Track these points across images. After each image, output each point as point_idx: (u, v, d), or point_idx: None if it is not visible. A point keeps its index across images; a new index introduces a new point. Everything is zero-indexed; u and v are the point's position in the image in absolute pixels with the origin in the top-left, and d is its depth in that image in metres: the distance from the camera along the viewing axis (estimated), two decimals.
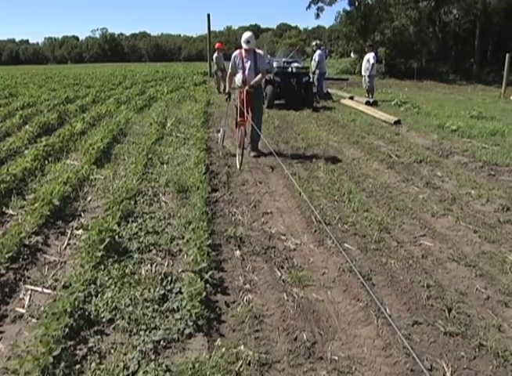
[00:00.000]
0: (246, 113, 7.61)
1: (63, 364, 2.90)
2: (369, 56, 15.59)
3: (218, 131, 9.29)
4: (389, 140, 9.75)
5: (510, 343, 3.21)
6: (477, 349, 3.15)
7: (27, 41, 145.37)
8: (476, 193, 6.28)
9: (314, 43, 16.93)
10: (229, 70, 8.21)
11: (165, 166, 7.38)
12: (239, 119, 7.84)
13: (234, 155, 8.04)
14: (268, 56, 17.91)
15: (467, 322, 3.45)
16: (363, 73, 16.07)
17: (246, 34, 7.80)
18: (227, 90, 8.32)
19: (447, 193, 6.31)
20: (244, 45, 7.76)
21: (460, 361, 3.05)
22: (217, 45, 19.60)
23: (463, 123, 11.28)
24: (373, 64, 15.48)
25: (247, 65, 7.81)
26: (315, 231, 5.08)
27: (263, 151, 8.45)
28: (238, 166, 7.47)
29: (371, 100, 15.23)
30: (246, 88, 7.68)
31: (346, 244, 4.72)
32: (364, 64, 15.96)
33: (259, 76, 7.80)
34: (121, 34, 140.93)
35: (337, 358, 3.07)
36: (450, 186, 6.65)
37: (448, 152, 8.66)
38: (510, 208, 5.73)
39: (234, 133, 8.96)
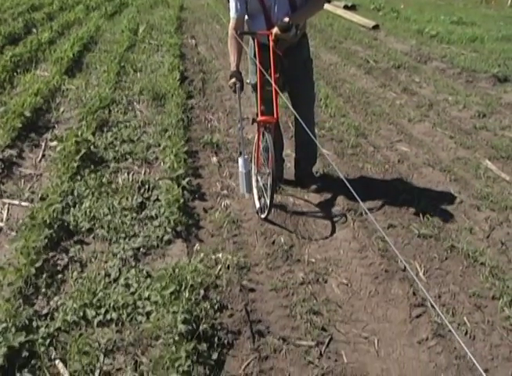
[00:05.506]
0: (275, 93, 3.23)
1: (45, 274, 2.93)
2: None
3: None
4: (367, 45, 9.51)
5: (480, 244, 3.33)
6: (448, 250, 3.26)
7: None
8: (453, 100, 6.25)
9: None
10: (232, 20, 3.39)
11: (139, 74, 7.12)
12: (259, 115, 3.44)
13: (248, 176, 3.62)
14: None
15: (440, 225, 3.54)
16: None
17: None
18: (232, 67, 3.36)
19: (424, 99, 6.27)
20: None
21: (433, 262, 3.16)
22: None
23: (442, 28, 11.01)
24: None
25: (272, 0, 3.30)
26: (292, 136, 4.96)
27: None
28: (260, 214, 3.62)
29: (349, 4, 14.74)
30: (275, 31, 3.18)
31: (323, 149, 4.70)
32: None
33: (303, 10, 3.38)
34: None
35: (314, 260, 3.16)
36: (427, 92, 6.60)
37: (427, 58, 8.50)
38: (486, 115, 5.74)
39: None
